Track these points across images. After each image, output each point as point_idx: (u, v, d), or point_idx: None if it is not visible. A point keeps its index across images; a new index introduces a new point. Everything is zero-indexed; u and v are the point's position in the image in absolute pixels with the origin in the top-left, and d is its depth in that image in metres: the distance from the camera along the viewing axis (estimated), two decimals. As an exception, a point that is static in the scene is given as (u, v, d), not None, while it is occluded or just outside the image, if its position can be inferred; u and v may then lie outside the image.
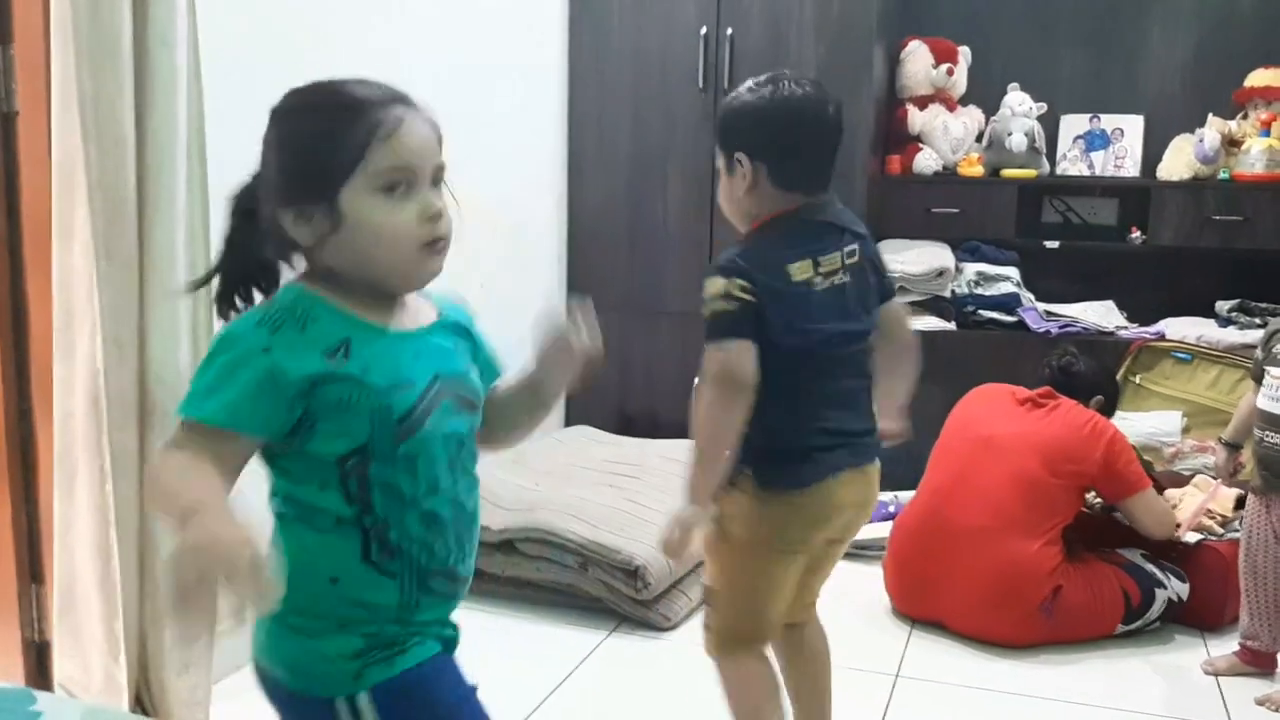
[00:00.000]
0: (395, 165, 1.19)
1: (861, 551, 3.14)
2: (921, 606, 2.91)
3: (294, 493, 1.23)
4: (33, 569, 2.25)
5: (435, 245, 1.22)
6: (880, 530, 3.09)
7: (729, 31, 3.71)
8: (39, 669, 2.27)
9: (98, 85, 1.92)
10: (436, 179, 1.24)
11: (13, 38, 2.08)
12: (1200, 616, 2.89)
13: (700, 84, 3.75)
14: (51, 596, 2.17)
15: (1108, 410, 2.96)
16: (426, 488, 1.25)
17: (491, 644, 2.71)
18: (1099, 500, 2.95)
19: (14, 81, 2.09)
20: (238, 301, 1.28)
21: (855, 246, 1.89)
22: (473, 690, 1.36)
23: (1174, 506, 3.08)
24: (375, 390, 1.19)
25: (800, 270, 1.81)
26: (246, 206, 1.27)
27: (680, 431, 3.58)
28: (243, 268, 1.27)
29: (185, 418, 1.16)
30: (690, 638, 2.81)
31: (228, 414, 1.15)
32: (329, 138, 1.19)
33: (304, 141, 1.21)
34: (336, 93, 1.22)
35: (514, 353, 2.80)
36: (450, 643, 1.37)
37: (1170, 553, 2.90)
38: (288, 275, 1.29)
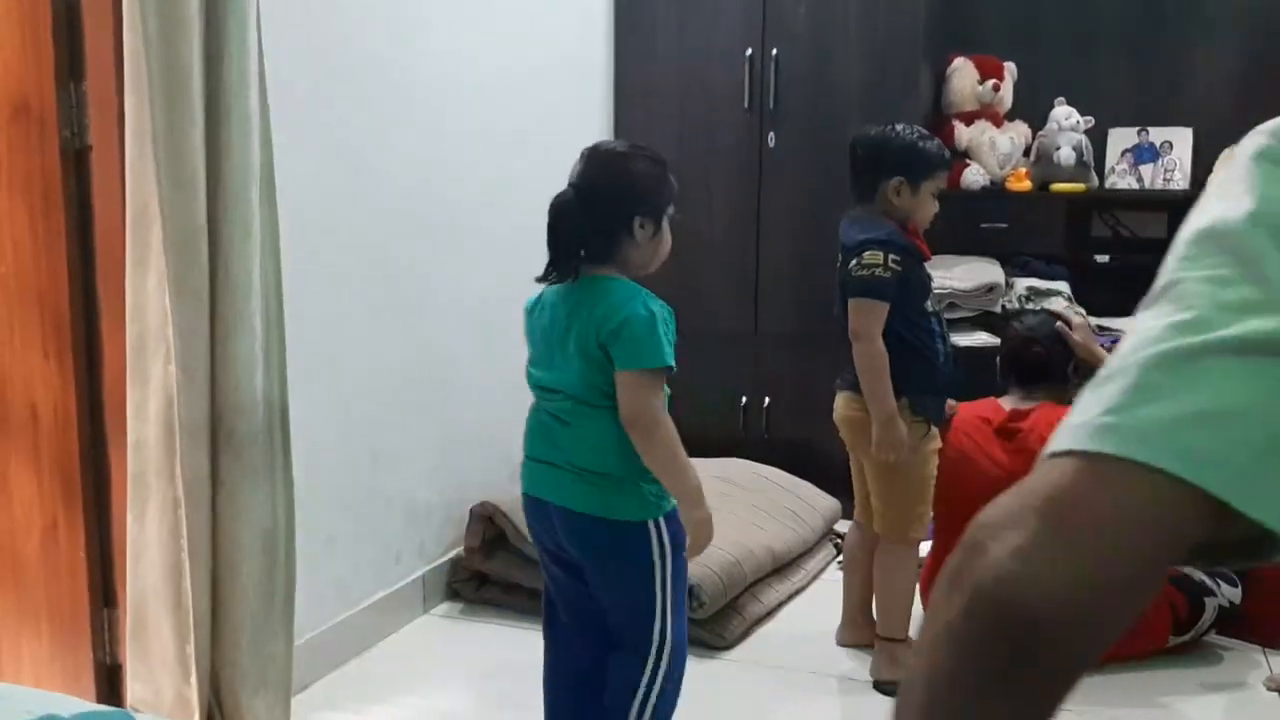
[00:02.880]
0: (675, 209, 2.01)
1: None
2: None
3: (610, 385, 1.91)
4: (105, 592, 2.31)
5: None
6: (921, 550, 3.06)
7: (774, 52, 3.73)
8: (110, 691, 2.32)
9: (170, 121, 1.98)
10: None
11: (85, 75, 2.15)
12: (1260, 631, 2.85)
13: (745, 105, 3.78)
14: (123, 619, 2.22)
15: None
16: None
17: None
18: None
19: (87, 117, 2.16)
20: (550, 277, 1.99)
21: (840, 257, 2.57)
22: None
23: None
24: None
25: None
26: (570, 213, 1.95)
27: (729, 450, 3.61)
28: (568, 255, 1.96)
29: (662, 365, 1.89)
30: (746, 656, 2.82)
31: (673, 359, 1.92)
32: (665, 180, 2.00)
33: (656, 180, 1.99)
34: (658, 154, 2.04)
35: None
36: None
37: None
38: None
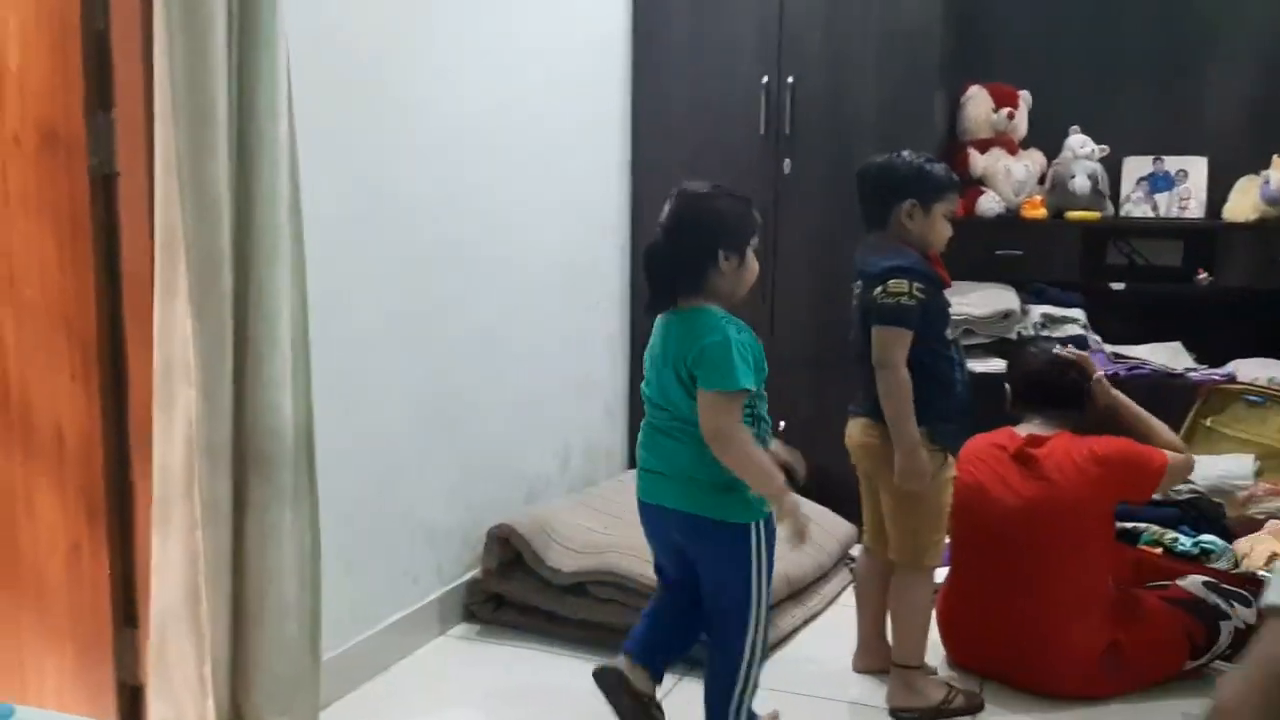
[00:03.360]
0: (758, 238, 2.25)
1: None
2: (982, 665, 2.89)
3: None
4: (127, 613, 2.33)
5: None
6: (938, 576, 3.06)
7: (790, 79, 3.76)
8: (132, 711, 2.35)
9: (195, 149, 2.01)
10: None
11: (114, 103, 2.19)
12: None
13: (761, 131, 3.81)
14: (145, 640, 2.24)
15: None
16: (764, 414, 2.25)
17: (562, 686, 2.74)
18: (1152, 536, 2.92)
19: (115, 145, 2.20)
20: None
21: (859, 283, 2.62)
22: None
23: (1244, 556, 3.04)
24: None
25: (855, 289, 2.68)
26: (661, 253, 2.20)
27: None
28: (660, 290, 2.22)
29: (741, 387, 2.10)
30: (761, 682, 2.82)
31: (753, 381, 2.14)
32: (747, 216, 2.23)
33: (738, 216, 2.22)
34: (741, 192, 2.27)
35: (573, 392, 2.96)
36: None
37: (1239, 581, 2.85)
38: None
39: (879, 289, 2.52)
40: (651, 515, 2.31)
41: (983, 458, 2.81)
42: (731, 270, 2.20)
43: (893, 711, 2.69)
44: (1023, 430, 2.83)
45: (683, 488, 2.22)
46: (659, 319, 2.27)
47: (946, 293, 2.65)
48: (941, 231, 2.63)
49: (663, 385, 2.23)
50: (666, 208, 2.23)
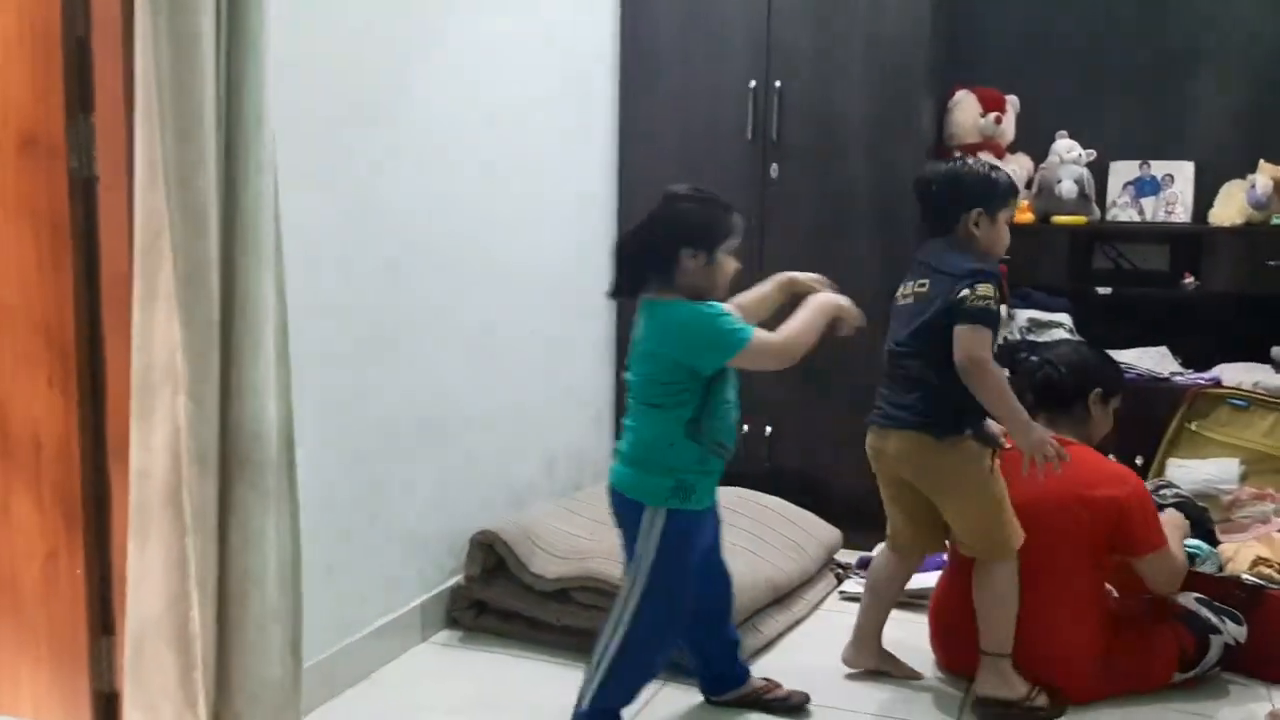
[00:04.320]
0: (737, 242, 2.35)
1: (916, 601, 3.13)
2: (972, 670, 2.87)
3: (673, 395, 2.30)
4: (104, 621, 2.31)
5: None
6: (931, 579, 3.07)
7: (777, 84, 3.76)
8: (108, 719, 2.33)
9: (180, 154, 1.99)
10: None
11: (94, 107, 2.17)
12: (1263, 667, 2.85)
13: (749, 136, 3.80)
14: (122, 648, 2.22)
15: (1108, 390, 2.85)
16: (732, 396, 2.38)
17: (548, 693, 2.72)
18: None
19: (95, 149, 2.18)
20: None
21: (926, 280, 2.62)
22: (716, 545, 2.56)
23: (1229, 560, 3.04)
24: None
25: (901, 289, 2.71)
26: (634, 246, 2.36)
27: (730, 479, 3.60)
28: (632, 277, 2.35)
29: (749, 335, 2.26)
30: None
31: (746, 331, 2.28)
32: (720, 219, 2.33)
33: (706, 218, 2.33)
34: (721, 198, 2.38)
35: (559, 398, 2.94)
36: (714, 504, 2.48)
37: (1229, 597, 2.85)
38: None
39: (966, 290, 2.52)
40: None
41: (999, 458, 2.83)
42: (698, 267, 2.30)
43: (981, 699, 2.67)
44: None
45: (618, 463, 2.40)
46: (642, 308, 2.37)
47: None
48: (1005, 238, 2.69)
49: (634, 369, 2.36)
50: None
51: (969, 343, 2.51)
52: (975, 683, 2.70)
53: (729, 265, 2.34)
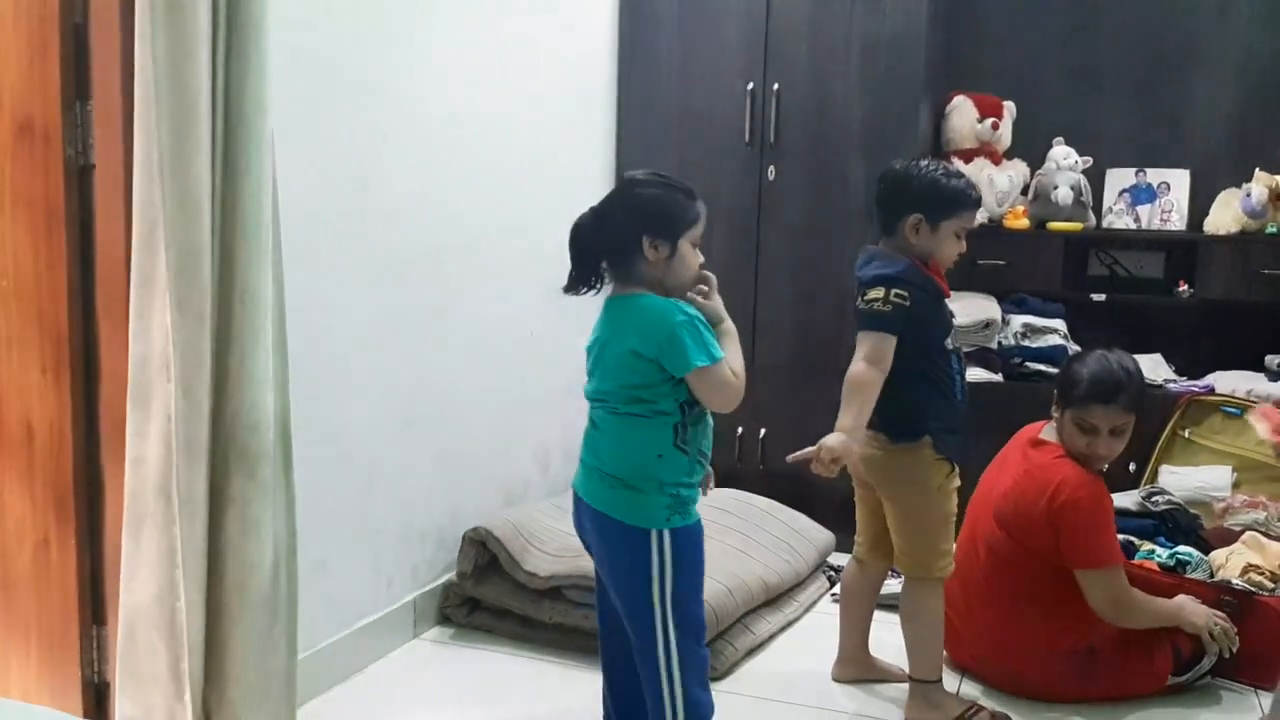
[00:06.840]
0: (700, 233, 2.14)
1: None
2: (959, 661, 2.90)
3: (654, 400, 2.09)
4: (95, 610, 2.30)
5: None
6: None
7: (775, 87, 3.76)
8: (98, 709, 2.32)
9: (177, 142, 1.99)
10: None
11: (91, 94, 2.17)
12: (1253, 674, 2.85)
13: (746, 138, 3.81)
14: (113, 637, 2.21)
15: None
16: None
17: (539, 690, 2.73)
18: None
19: (92, 136, 2.18)
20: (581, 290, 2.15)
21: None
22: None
23: (1220, 567, 3.04)
24: None
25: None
26: (590, 235, 2.11)
27: (724, 481, 3.61)
28: (590, 270, 2.13)
29: (715, 358, 2.05)
30: (736, 687, 2.81)
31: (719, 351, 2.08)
32: (683, 206, 2.12)
33: (668, 204, 2.11)
34: (682, 183, 2.15)
35: (558, 400, 2.94)
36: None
37: (1220, 605, 2.85)
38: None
39: (859, 297, 2.51)
40: (576, 504, 2.24)
41: (1011, 447, 2.88)
42: (660, 259, 2.09)
43: None
44: (1048, 434, 2.85)
45: (599, 482, 2.15)
46: (603, 311, 2.19)
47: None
48: (949, 249, 2.54)
49: (599, 375, 2.15)
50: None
51: (858, 348, 2.46)
52: (905, 709, 2.68)
53: (692, 259, 2.13)
